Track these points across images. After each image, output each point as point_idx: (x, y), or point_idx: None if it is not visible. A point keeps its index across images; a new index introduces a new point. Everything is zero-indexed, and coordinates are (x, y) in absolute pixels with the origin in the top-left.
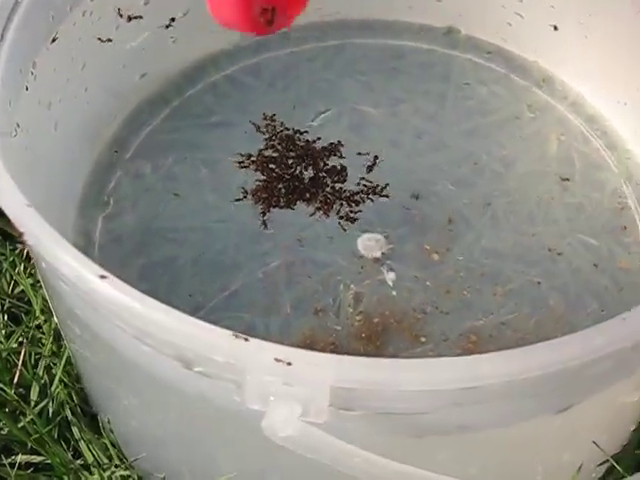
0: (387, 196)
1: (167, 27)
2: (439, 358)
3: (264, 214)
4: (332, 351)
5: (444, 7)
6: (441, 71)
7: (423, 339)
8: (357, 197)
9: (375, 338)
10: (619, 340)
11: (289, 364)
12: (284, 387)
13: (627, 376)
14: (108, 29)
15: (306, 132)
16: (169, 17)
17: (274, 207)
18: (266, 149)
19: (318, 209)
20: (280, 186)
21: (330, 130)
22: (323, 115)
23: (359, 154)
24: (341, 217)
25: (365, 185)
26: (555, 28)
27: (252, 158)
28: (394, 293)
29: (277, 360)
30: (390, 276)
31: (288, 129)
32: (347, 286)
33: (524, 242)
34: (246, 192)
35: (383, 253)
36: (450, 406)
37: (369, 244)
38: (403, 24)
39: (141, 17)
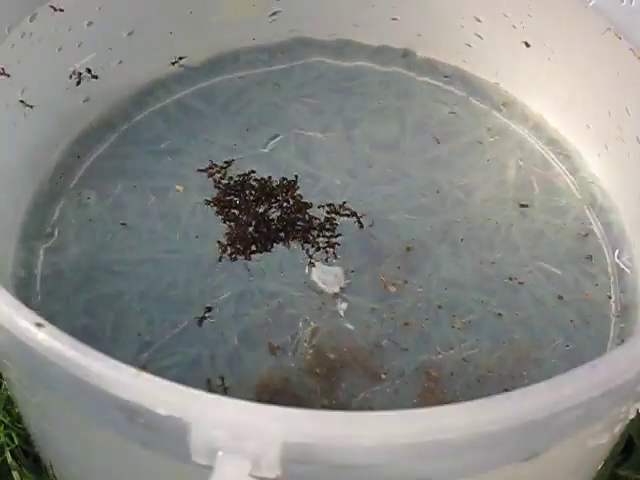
0: (349, 215)
1: (111, 48)
2: (395, 412)
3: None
4: (284, 388)
5: (401, 27)
6: (398, 93)
7: (383, 376)
8: (327, 226)
9: (330, 374)
10: (589, 389)
11: (237, 418)
12: (233, 441)
13: (597, 421)
14: (50, 51)
15: (255, 174)
16: (114, 37)
17: (252, 254)
18: (225, 194)
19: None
20: (251, 231)
21: (280, 157)
22: (273, 141)
23: (310, 183)
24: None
25: (328, 216)
26: (516, 50)
27: (209, 202)
28: (350, 327)
29: (225, 414)
30: (344, 308)
31: (240, 175)
32: (301, 319)
33: (484, 270)
34: (223, 245)
35: (341, 287)
36: (410, 459)
37: (322, 276)
38: (358, 45)
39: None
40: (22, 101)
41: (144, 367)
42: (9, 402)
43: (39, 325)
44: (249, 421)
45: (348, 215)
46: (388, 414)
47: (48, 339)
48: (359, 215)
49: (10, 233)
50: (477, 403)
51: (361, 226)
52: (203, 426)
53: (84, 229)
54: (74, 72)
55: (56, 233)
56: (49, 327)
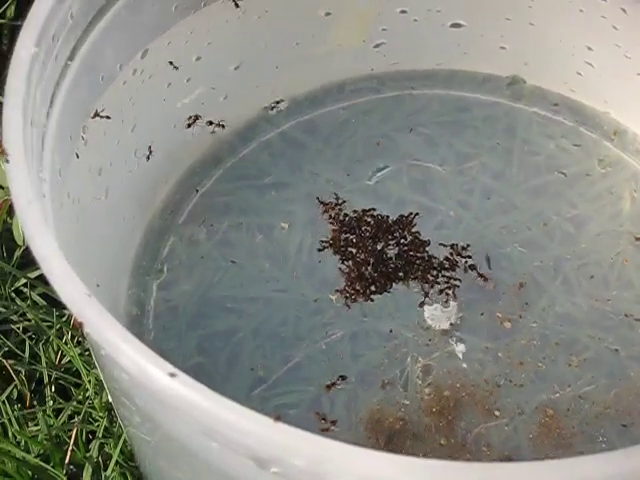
0: (470, 257)
1: (218, 83)
2: (535, 462)
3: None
4: (401, 427)
5: (508, 55)
6: (506, 125)
7: (497, 413)
8: (446, 265)
9: (447, 412)
10: None
11: (377, 470)
12: None
13: None
14: (159, 87)
15: (373, 209)
16: (221, 71)
17: (372, 294)
18: (340, 232)
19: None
20: (369, 270)
21: (390, 189)
22: (380, 173)
23: (426, 215)
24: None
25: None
26: (628, 79)
27: (326, 241)
28: (464, 365)
29: (363, 466)
30: (460, 348)
31: (356, 211)
32: (415, 359)
33: (599, 307)
34: (338, 290)
35: (451, 324)
36: None
37: (436, 314)
38: (465, 74)
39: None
40: (132, 137)
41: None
42: (122, 441)
43: (172, 375)
44: (390, 475)
45: (470, 257)
46: (533, 465)
47: (182, 388)
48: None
49: (123, 270)
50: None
51: (480, 275)
52: (343, 478)
53: (194, 266)
54: (182, 107)
55: (166, 269)
56: (182, 377)
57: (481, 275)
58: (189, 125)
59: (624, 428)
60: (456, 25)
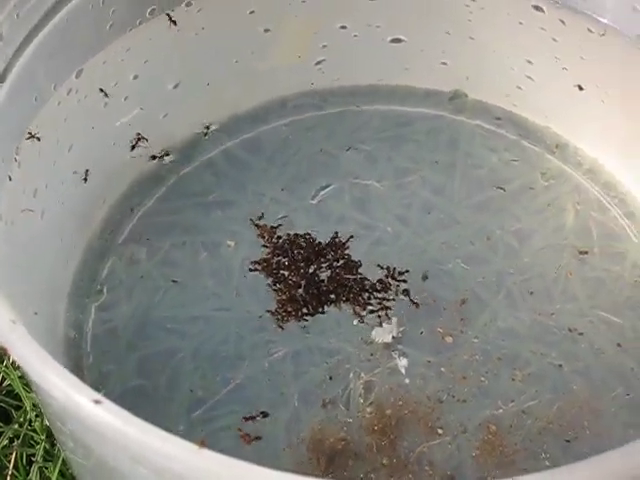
0: (405, 281)
1: (156, 101)
2: None
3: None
4: (343, 447)
5: (450, 70)
6: (449, 138)
7: (440, 431)
8: (379, 287)
9: (389, 431)
10: None
11: None
12: None
13: None
14: (96, 106)
15: (308, 234)
16: (159, 91)
17: (303, 316)
18: (272, 255)
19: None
20: (301, 292)
21: (331, 207)
22: (323, 192)
23: (365, 232)
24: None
25: (386, 276)
26: (568, 92)
27: (258, 262)
28: (407, 381)
29: None
30: (402, 362)
31: (289, 234)
32: (357, 375)
33: (542, 321)
34: (270, 311)
35: (394, 337)
36: None
37: (378, 329)
38: (406, 89)
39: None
40: (69, 157)
41: (200, 430)
42: (63, 463)
43: (97, 402)
44: None
45: (404, 281)
46: None
47: (106, 415)
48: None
49: (60, 292)
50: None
51: (413, 302)
52: None
53: (134, 286)
54: (121, 125)
55: (105, 291)
56: (107, 404)
57: (414, 302)
58: (133, 147)
59: (567, 443)
60: (396, 40)
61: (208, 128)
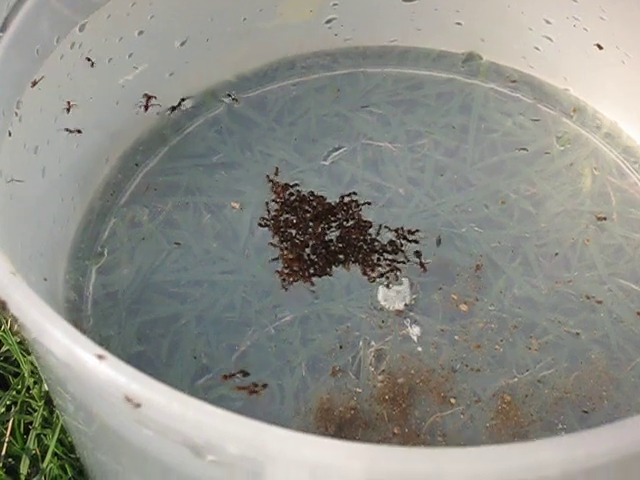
0: (417, 241)
1: (162, 59)
2: (489, 446)
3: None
4: (352, 416)
5: (464, 31)
6: (462, 102)
7: (453, 400)
8: (388, 248)
9: (400, 400)
10: None
11: (317, 456)
12: None
13: None
14: (100, 61)
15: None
16: (165, 47)
17: (310, 277)
18: (281, 213)
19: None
20: (308, 252)
21: (344, 168)
22: (335, 153)
23: (377, 194)
24: (361, 271)
25: (396, 234)
26: (588, 53)
27: (267, 219)
28: (419, 349)
29: (303, 452)
30: (414, 330)
31: (299, 191)
32: (367, 343)
33: (559, 289)
34: (277, 271)
35: (406, 304)
36: None
37: (390, 295)
38: (419, 50)
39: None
40: (71, 114)
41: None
42: (61, 431)
43: (100, 357)
44: (329, 460)
45: (416, 241)
46: (478, 450)
47: (110, 371)
48: (424, 229)
49: (60, 254)
50: (575, 437)
51: (421, 265)
52: (279, 465)
53: (136, 249)
54: (125, 83)
55: (106, 253)
56: (111, 359)
57: (423, 265)
58: (146, 108)
59: (585, 414)
60: None
61: (212, 87)
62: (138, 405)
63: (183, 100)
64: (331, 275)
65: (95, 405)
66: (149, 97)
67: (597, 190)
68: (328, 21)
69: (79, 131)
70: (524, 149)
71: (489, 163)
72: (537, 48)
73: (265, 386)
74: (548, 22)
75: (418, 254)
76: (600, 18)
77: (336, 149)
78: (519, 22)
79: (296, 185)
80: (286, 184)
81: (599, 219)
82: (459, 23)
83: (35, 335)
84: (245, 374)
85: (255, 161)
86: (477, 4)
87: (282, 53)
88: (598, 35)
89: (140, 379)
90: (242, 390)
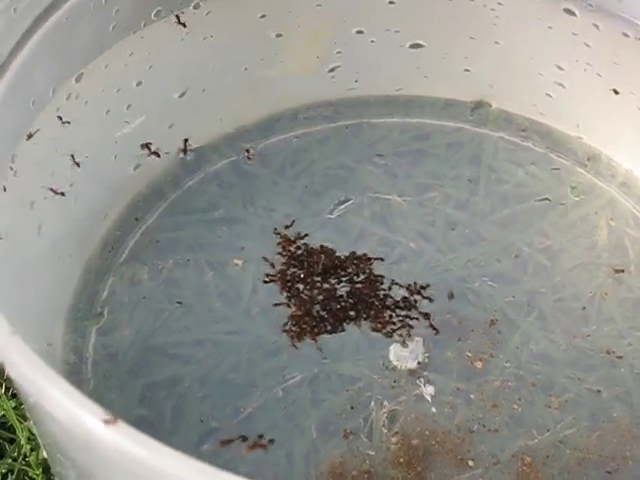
0: (430, 299)
1: (161, 110)
2: None
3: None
4: None
5: (472, 78)
6: (471, 152)
7: (471, 463)
8: (401, 304)
9: (415, 463)
10: None
11: None
12: None
13: None
14: (97, 114)
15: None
16: (164, 99)
17: (318, 334)
18: (287, 267)
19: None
20: (317, 309)
21: (351, 223)
22: (342, 206)
23: (386, 248)
24: (373, 327)
25: (407, 290)
26: (601, 99)
27: (272, 275)
28: (434, 410)
29: None
30: (428, 390)
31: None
32: (380, 403)
33: (578, 344)
34: (284, 330)
35: (419, 363)
36: None
37: (402, 354)
38: (426, 99)
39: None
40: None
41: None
42: None
43: (108, 422)
44: None
45: (430, 299)
46: None
47: (120, 438)
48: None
49: (58, 314)
50: None
51: (432, 327)
52: None
53: (136, 308)
54: (122, 136)
55: (106, 313)
56: (120, 424)
57: (433, 327)
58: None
59: (608, 475)
60: (416, 46)
61: (213, 140)
62: None
63: (185, 152)
64: (343, 331)
65: (99, 473)
66: (148, 146)
67: (614, 242)
68: (331, 69)
69: (62, 194)
70: (537, 200)
71: (501, 216)
72: (549, 95)
73: (272, 441)
74: (560, 68)
75: (427, 316)
76: (614, 63)
77: (342, 202)
78: (529, 68)
79: (306, 235)
80: (295, 238)
81: (616, 272)
82: (467, 70)
83: (35, 398)
84: (245, 439)
85: (258, 216)
86: (486, 50)
87: (284, 104)
88: (612, 80)
89: (151, 446)
90: (251, 450)
